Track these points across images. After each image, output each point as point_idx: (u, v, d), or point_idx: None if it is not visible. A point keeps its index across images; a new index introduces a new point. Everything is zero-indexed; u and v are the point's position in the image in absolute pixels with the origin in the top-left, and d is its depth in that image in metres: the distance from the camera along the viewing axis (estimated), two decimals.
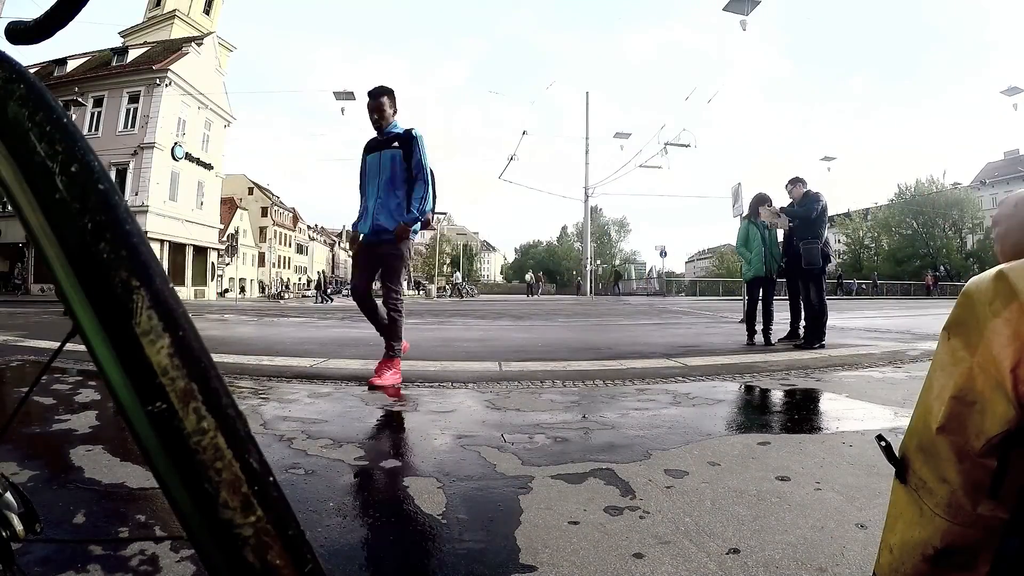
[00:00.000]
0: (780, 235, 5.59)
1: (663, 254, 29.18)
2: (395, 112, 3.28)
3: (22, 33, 0.41)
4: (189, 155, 24.39)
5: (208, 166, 26.25)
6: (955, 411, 0.58)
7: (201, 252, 25.94)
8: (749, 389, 3.04)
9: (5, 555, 0.44)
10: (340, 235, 73.91)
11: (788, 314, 5.65)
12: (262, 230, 49.61)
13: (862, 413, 2.45)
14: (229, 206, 37.78)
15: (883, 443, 0.68)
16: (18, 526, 0.46)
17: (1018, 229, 0.65)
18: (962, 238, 42.24)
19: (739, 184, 8.68)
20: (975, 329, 0.59)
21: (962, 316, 0.61)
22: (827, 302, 5.06)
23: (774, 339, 5.42)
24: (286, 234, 56.24)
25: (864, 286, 32.56)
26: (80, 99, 22.54)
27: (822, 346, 4.80)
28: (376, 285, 3.35)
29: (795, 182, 5.36)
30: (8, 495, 0.47)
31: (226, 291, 29.22)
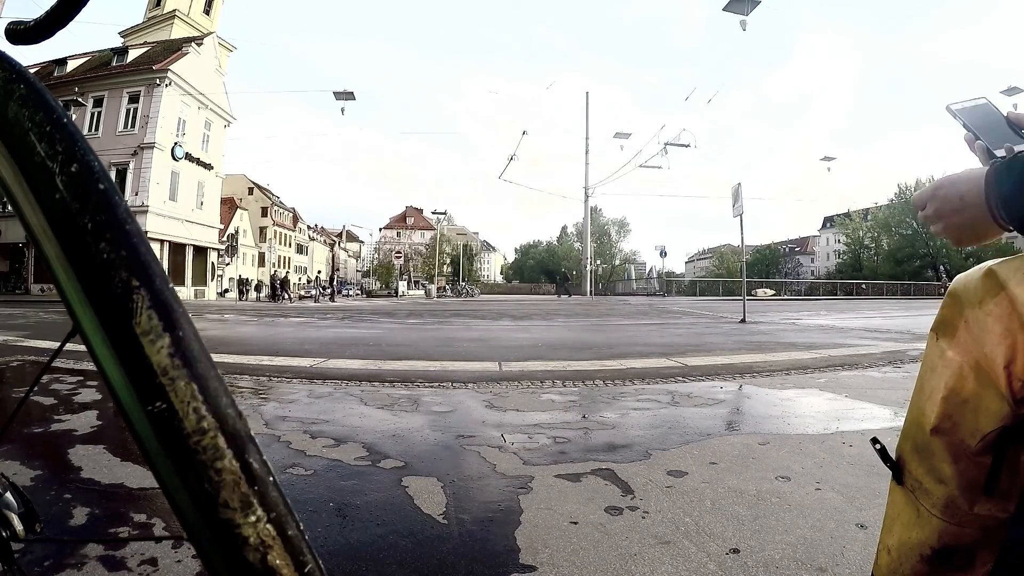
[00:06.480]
0: None
1: (663, 254, 29.25)
2: None
3: (22, 33, 0.41)
4: (189, 155, 24.38)
5: (208, 166, 26.24)
6: (948, 411, 0.58)
7: (201, 252, 25.92)
8: (749, 389, 3.04)
9: (5, 555, 0.44)
10: (340, 235, 74.00)
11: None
12: (262, 230, 49.64)
13: (862, 413, 2.45)
14: (229, 206, 37.81)
15: (878, 445, 0.68)
16: (18, 526, 0.46)
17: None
18: None
19: (739, 184, 8.69)
20: (964, 328, 0.59)
21: (950, 316, 0.61)
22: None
23: None
24: (286, 234, 56.26)
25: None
26: (80, 99, 22.54)
27: None
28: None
29: None
30: (8, 495, 0.47)
31: (226, 291, 29.18)
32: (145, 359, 0.26)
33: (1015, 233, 0.56)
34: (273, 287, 22.88)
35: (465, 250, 51.73)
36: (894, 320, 8.99)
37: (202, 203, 25.99)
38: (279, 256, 48.52)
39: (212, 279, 27.07)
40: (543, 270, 60.21)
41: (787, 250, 69.55)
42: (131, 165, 22.48)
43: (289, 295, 22.95)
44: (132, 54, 24.52)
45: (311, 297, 25.19)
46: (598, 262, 44.72)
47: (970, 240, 0.60)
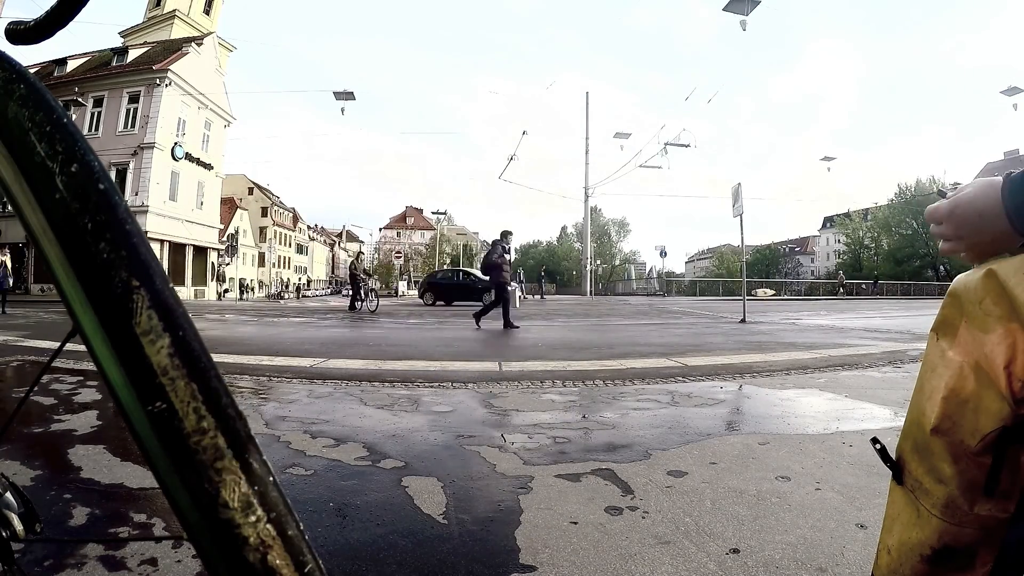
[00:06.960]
0: None
1: (663, 254, 29.23)
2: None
3: (22, 33, 0.41)
4: (189, 155, 24.39)
5: (208, 166, 26.25)
6: (948, 411, 0.58)
7: (201, 252, 25.93)
8: (749, 389, 3.04)
9: (5, 555, 0.44)
10: (340, 235, 73.97)
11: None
12: (262, 230, 49.67)
13: (862, 413, 2.45)
14: (229, 206, 37.84)
15: (878, 445, 0.68)
16: (18, 526, 0.46)
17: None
18: None
19: (739, 184, 8.69)
20: (964, 328, 0.59)
21: (950, 316, 0.61)
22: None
23: None
24: (286, 234, 56.28)
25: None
26: (80, 99, 22.55)
27: None
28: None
29: None
30: (8, 495, 0.47)
31: (226, 291, 29.11)
32: (145, 359, 0.26)
33: None
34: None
35: (465, 250, 51.71)
36: (894, 320, 8.99)
37: (202, 203, 25.99)
38: (279, 256, 48.54)
39: (212, 279, 27.07)
40: (543, 270, 60.18)
41: (787, 250, 69.49)
42: (131, 165, 22.48)
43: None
44: (132, 54, 24.51)
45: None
46: (598, 262, 44.76)
47: (993, 255, 0.59)
